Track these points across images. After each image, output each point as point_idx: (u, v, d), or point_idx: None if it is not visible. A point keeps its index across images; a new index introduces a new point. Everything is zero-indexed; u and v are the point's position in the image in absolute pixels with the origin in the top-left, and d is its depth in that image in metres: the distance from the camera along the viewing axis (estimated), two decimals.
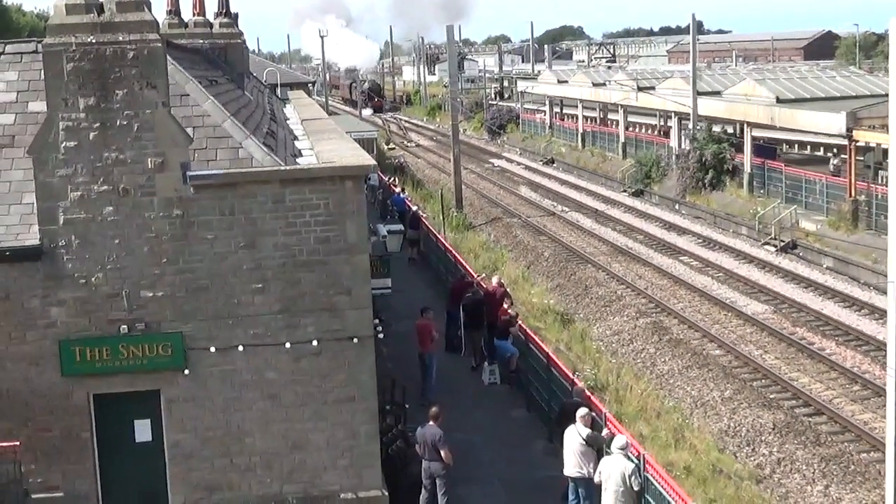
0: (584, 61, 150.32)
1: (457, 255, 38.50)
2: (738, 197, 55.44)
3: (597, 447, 18.71)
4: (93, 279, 17.25)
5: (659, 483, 17.18)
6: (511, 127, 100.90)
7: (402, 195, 52.14)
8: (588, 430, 18.66)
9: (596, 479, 18.20)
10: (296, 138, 25.82)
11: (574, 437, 18.76)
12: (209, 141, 18.46)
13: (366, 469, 18.42)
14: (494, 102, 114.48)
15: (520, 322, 28.03)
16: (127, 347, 17.46)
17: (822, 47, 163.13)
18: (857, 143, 47.23)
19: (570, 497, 19.15)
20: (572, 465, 18.83)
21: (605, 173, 72.62)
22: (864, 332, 34.72)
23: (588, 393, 21.66)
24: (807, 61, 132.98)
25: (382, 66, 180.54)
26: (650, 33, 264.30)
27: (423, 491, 19.63)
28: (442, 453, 19.21)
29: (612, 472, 17.57)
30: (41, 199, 17.07)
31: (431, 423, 19.42)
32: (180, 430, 17.96)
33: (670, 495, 16.70)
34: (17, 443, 17.12)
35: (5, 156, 18.26)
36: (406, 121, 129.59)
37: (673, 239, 52.07)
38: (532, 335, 27.14)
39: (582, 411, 19.07)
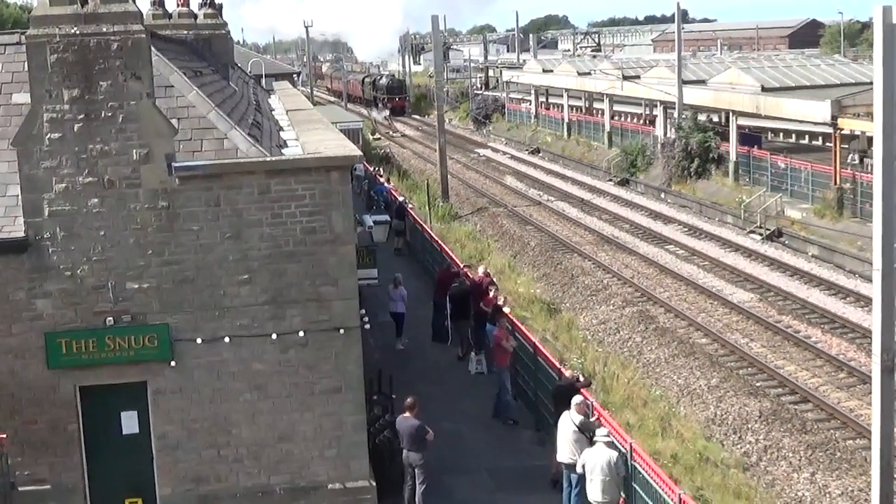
0: (569, 51, 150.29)
1: (443, 245, 38.50)
2: (723, 185, 55.56)
3: (589, 435, 18.75)
4: (78, 271, 17.20)
5: (646, 472, 17.21)
6: (497, 117, 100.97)
7: (385, 185, 52.11)
8: (581, 418, 18.72)
9: (578, 470, 18.26)
10: (281, 129, 25.78)
11: (567, 424, 18.82)
12: (194, 132, 18.41)
13: (353, 460, 18.43)
14: (480, 92, 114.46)
15: (507, 310, 27.83)
16: (113, 339, 17.42)
17: (807, 36, 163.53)
18: (842, 131, 47.38)
19: (565, 485, 19.18)
20: (565, 452, 18.88)
21: (590, 162, 72.70)
22: (849, 320, 34.85)
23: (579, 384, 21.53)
24: (791, 50, 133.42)
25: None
26: (635, 22, 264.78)
27: (406, 480, 19.65)
28: (427, 439, 19.23)
29: (597, 461, 17.61)
30: (26, 191, 17.01)
31: (407, 413, 19.42)
32: (167, 422, 17.94)
33: (657, 484, 16.74)
34: (4, 436, 17.06)
35: None
36: None
37: (659, 228, 52.17)
38: (518, 324, 27.13)
39: (577, 399, 19.11)
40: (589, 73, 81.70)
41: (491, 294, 28.06)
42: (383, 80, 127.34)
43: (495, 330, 25.07)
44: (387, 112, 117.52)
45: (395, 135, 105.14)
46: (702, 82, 63.89)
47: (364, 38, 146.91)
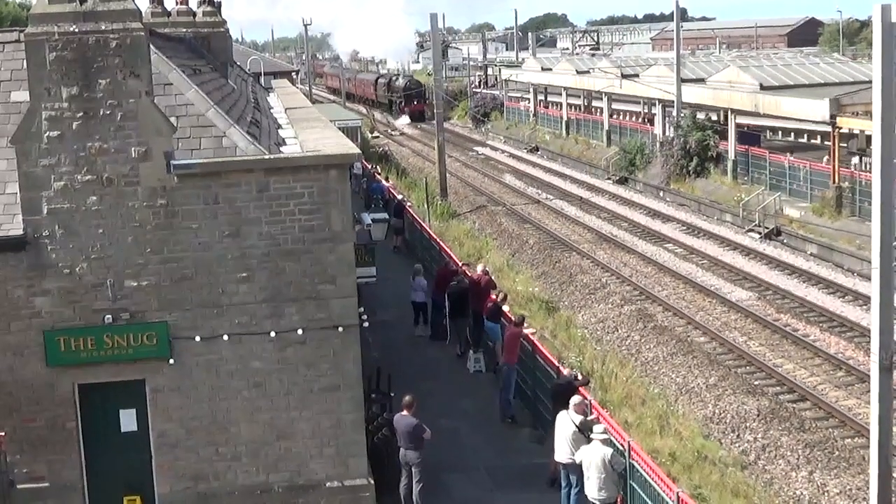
0: (568, 49, 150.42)
1: (441, 243, 38.50)
2: (722, 184, 55.56)
3: (588, 434, 18.75)
4: (77, 269, 17.19)
5: (644, 470, 17.22)
6: (495, 115, 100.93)
7: (381, 183, 52.07)
8: (581, 418, 18.71)
9: (577, 464, 18.27)
10: (280, 127, 25.76)
11: (567, 424, 18.81)
12: (193, 130, 18.40)
13: (351, 458, 18.43)
14: (479, 90, 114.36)
15: (506, 308, 27.79)
16: (112, 337, 17.42)
17: (806, 34, 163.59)
18: (841, 130, 47.38)
19: (563, 483, 19.20)
20: (564, 451, 18.87)
21: (589, 161, 72.68)
22: (848, 319, 34.86)
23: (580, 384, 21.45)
24: (790, 48, 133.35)
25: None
26: (634, 21, 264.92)
27: (402, 478, 19.65)
28: (424, 438, 19.24)
29: (594, 458, 17.63)
30: (24, 189, 17.00)
31: (405, 412, 19.42)
32: (166, 420, 17.94)
33: (655, 482, 16.74)
34: (3, 433, 17.07)
35: None
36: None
37: (657, 226, 52.17)
38: None
39: (576, 399, 19.10)
40: (588, 72, 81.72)
41: (496, 298, 27.81)
42: (399, 82, 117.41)
43: (510, 328, 25.05)
44: (407, 118, 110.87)
45: (393, 133, 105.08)
46: (700, 81, 63.87)
47: (360, 34, 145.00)
